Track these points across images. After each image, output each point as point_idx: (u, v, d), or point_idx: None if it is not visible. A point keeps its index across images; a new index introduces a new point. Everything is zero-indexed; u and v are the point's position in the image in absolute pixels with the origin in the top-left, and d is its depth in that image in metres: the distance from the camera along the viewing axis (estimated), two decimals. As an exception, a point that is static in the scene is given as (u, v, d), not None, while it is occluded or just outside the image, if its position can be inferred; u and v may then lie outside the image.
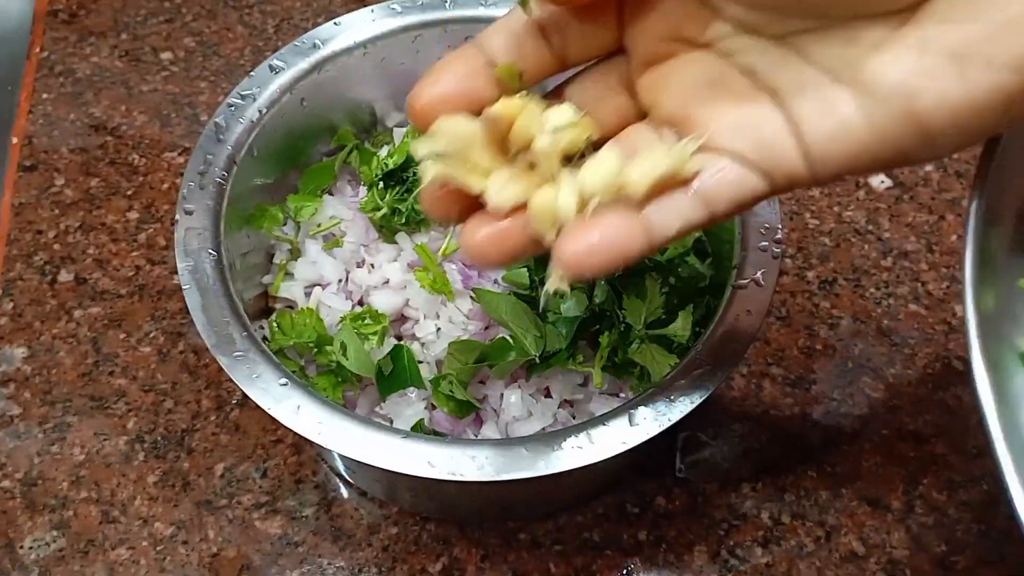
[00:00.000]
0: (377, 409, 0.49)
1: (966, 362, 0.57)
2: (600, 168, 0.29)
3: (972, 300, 0.33)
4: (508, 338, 0.48)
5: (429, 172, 0.30)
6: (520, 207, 0.31)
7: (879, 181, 0.65)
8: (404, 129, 0.56)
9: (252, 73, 0.50)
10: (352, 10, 0.54)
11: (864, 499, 0.53)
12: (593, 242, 0.29)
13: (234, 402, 0.56)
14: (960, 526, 0.52)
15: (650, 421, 0.40)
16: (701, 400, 0.41)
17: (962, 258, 0.33)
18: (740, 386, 0.56)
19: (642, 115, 0.33)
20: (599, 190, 0.29)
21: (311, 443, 0.54)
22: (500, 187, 0.30)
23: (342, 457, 0.51)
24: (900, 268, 0.61)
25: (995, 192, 0.35)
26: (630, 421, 0.40)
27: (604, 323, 0.48)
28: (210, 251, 0.45)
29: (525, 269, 0.49)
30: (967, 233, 0.34)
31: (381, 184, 0.51)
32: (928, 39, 0.27)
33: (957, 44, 0.27)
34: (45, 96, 0.68)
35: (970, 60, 0.26)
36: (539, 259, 0.49)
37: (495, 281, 0.50)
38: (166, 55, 0.71)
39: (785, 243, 0.62)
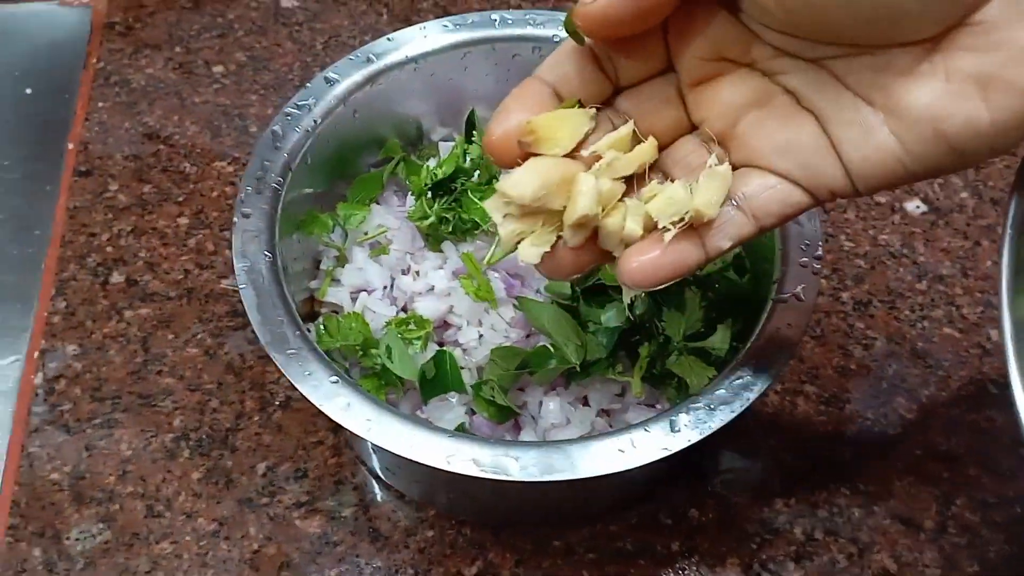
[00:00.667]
0: (419, 413, 0.50)
1: (1001, 384, 0.57)
2: (673, 202, 0.32)
3: (1008, 307, 0.34)
4: (549, 346, 0.49)
5: (506, 231, 0.33)
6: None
7: (914, 206, 0.66)
8: (450, 144, 0.58)
9: (308, 84, 0.52)
10: (398, 28, 0.56)
11: (897, 517, 0.53)
12: (656, 258, 0.32)
13: (277, 403, 0.57)
14: (993, 547, 0.52)
15: (691, 428, 0.41)
16: (742, 409, 0.42)
17: (1000, 263, 0.34)
18: (774, 403, 0.57)
19: (694, 125, 0.35)
20: (671, 219, 0.32)
21: (350, 445, 0.55)
22: (573, 234, 0.33)
23: (381, 459, 0.52)
24: (935, 292, 0.62)
25: None
26: (671, 428, 0.41)
27: (643, 334, 0.49)
28: (266, 253, 0.46)
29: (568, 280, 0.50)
30: (1003, 242, 0.35)
31: (430, 194, 0.52)
32: (954, 66, 0.29)
33: (981, 71, 0.29)
34: (101, 105, 0.71)
35: (994, 86, 0.29)
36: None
37: (538, 291, 0.51)
38: (218, 68, 0.73)
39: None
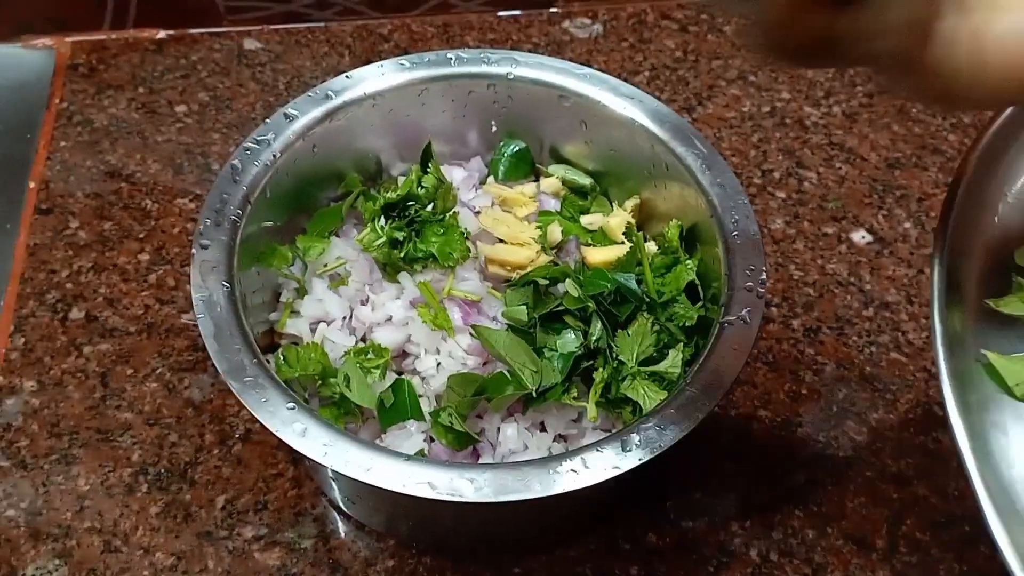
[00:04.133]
0: (377, 441, 0.51)
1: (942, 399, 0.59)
2: None
3: (940, 319, 0.36)
4: (506, 373, 0.49)
5: None
6: None
7: (860, 236, 0.68)
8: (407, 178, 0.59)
9: (267, 120, 0.53)
10: (360, 68, 0.57)
11: (849, 538, 0.54)
12: None
13: (237, 436, 0.57)
14: (943, 565, 0.53)
15: (641, 448, 0.42)
16: (691, 428, 0.43)
17: (931, 283, 0.36)
18: (729, 427, 0.58)
19: None
20: None
21: (311, 477, 0.55)
22: None
23: (341, 489, 0.52)
24: (881, 318, 0.64)
25: (960, 231, 0.38)
26: (623, 447, 0.42)
27: (598, 359, 0.50)
28: (224, 283, 0.47)
29: (524, 307, 0.51)
30: (933, 264, 0.37)
31: (382, 218, 0.53)
32: None
33: None
34: (63, 144, 0.71)
35: None
36: (537, 297, 0.51)
37: (494, 318, 0.52)
38: (181, 108, 0.74)
39: (771, 292, 0.64)
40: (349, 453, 0.42)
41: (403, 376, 0.52)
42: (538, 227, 0.56)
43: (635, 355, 0.50)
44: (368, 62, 0.76)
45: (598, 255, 0.55)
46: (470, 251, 0.53)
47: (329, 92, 0.55)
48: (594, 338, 0.50)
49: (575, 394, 0.50)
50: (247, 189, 0.51)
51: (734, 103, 0.77)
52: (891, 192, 0.71)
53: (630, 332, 0.50)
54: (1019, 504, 0.35)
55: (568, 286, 0.51)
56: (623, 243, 0.56)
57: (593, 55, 0.80)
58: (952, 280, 0.38)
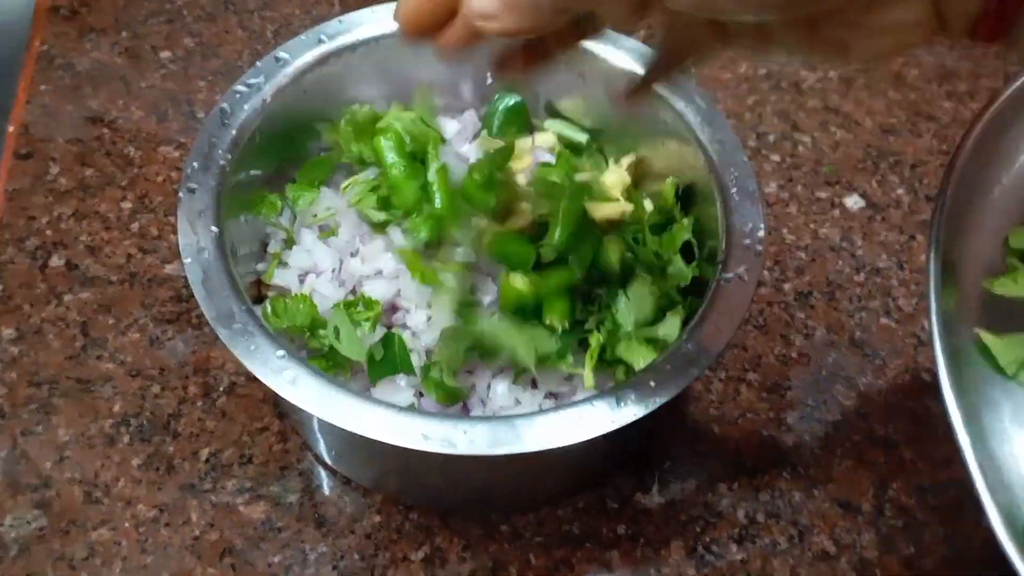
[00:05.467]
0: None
1: (934, 373, 0.59)
2: None
3: (935, 299, 0.36)
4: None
5: None
6: None
7: (853, 201, 0.68)
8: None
9: (258, 63, 0.52)
10: (351, 18, 0.56)
11: (836, 501, 0.54)
12: None
13: (221, 389, 0.56)
14: (927, 529, 0.54)
15: (636, 404, 0.42)
16: (685, 386, 0.42)
17: (927, 265, 0.36)
18: (718, 390, 0.58)
19: None
20: None
21: (297, 431, 0.54)
22: None
23: (328, 443, 0.51)
24: (872, 284, 0.63)
25: (956, 213, 0.38)
26: (617, 403, 0.42)
27: (593, 319, 0.49)
28: (212, 228, 0.46)
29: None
30: (930, 245, 0.37)
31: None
32: None
33: None
34: (43, 88, 0.69)
35: None
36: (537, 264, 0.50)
37: (488, 275, 0.51)
38: (165, 54, 0.72)
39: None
40: (341, 404, 0.41)
41: (393, 330, 0.51)
42: (530, 185, 0.55)
43: (633, 319, 0.49)
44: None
45: (596, 213, 0.54)
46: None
47: (322, 36, 0.54)
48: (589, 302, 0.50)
49: (571, 361, 0.49)
50: (236, 133, 0.49)
51: (730, 65, 0.76)
52: (885, 158, 0.70)
53: (629, 295, 0.50)
54: (1007, 478, 0.36)
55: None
56: (618, 201, 0.55)
57: (589, 12, 0.78)
58: (948, 261, 0.38)
